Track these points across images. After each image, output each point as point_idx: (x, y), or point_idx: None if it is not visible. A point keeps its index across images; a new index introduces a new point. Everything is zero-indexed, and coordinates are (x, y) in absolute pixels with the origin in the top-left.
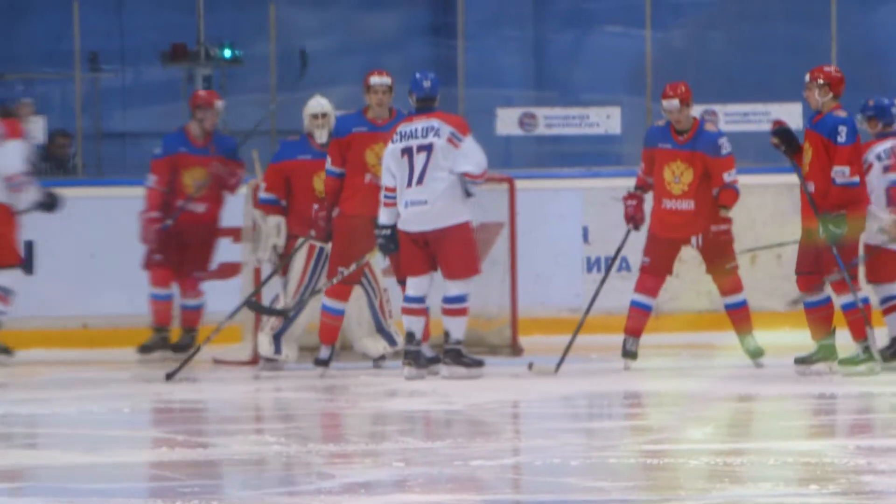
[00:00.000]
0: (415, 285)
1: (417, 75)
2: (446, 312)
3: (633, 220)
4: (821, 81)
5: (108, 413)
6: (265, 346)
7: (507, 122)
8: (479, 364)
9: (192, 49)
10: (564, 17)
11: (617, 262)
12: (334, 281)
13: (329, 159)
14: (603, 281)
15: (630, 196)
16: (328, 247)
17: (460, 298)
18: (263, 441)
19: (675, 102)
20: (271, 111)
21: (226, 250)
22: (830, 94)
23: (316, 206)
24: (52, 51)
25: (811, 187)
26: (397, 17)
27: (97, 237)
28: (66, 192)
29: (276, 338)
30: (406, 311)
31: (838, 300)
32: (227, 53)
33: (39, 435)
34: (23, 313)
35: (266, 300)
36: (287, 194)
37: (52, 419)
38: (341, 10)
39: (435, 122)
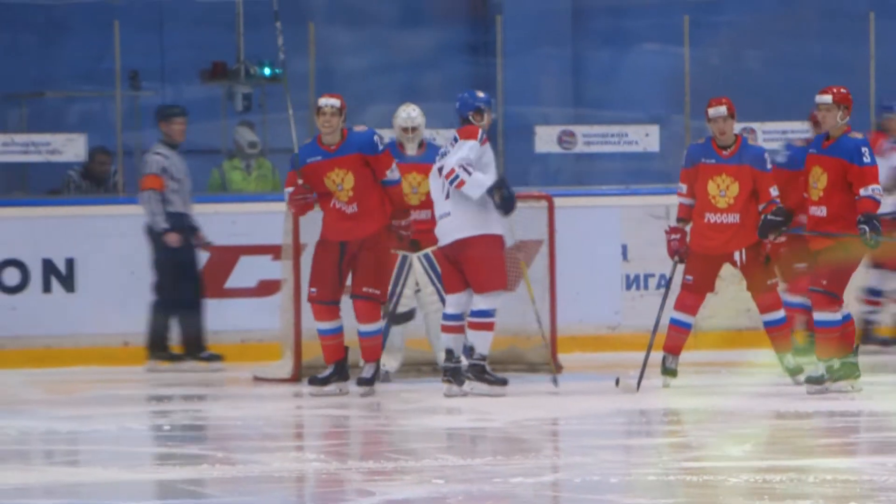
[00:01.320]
0: (452, 302)
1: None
2: (471, 326)
3: (678, 253)
4: (843, 105)
5: (149, 430)
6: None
7: (545, 139)
8: (503, 383)
9: (232, 67)
10: (602, 35)
11: (656, 280)
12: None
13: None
14: (665, 297)
15: (673, 230)
16: (413, 255)
17: (485, 313)
18: (303, 458)
19: (723, 109)
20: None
21: (267, 267)
22: (847, 118)
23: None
24: (92, 69)
25: (821, 211)
26: (436, 35)
27: (137, 254)
28: (105, 210)
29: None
30: (444, 329)
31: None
32: (267, 71)
33: (80, 452)
34: (64, 331)
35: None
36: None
37: (93, 436)
38: (379, 29)
39: (455, 137)
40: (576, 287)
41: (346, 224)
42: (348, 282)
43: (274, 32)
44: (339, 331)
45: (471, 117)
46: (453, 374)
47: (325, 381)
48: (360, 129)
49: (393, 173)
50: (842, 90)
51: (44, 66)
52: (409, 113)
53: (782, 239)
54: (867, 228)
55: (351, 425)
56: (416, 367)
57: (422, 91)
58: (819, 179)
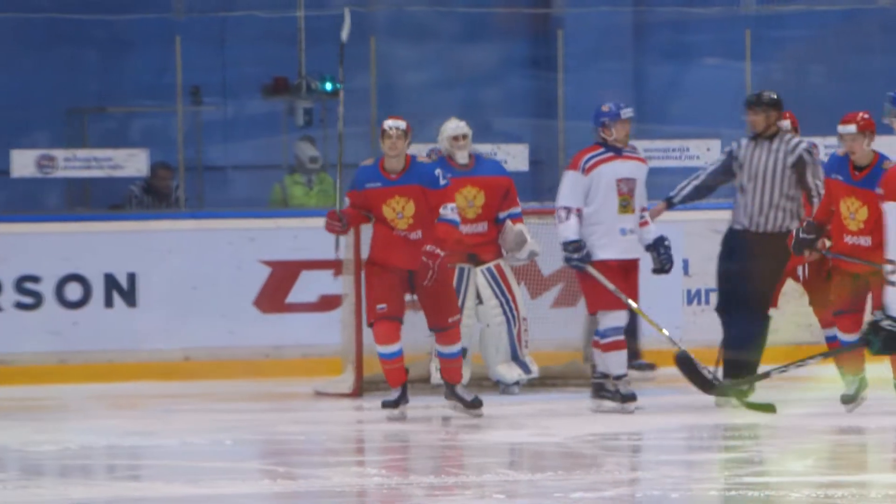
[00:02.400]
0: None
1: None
2: (594, 345)
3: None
4: (868, 131)
5: (210, 445)
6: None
7: None
8: (631, 398)
9: (294, 82)
10: (664, 49)
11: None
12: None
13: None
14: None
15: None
16: (476, 269)
17: (600, 333)
18: (364, 473)
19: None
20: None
21: (328, 282)
22: (872, 142)
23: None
24: (154, 84)
25: (865, 241)
26: (496, 49)
27: (198, 270)
28: (167, 225)
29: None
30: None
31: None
32: (328, 86)
33: (142, 467)
34: (125, 345)
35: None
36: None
37: (155, 451)
38: (440, 44)
39: None
40: (637, 302)
41: (412, 251)
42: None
43: (336, 48)
44: (401, 353)
45: (601, 133)
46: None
47: (396, 404)
48: (424, 159)
49: (449, 212)
50: (865, 116)
51: (106, 81)
52: (458, 123)
53: (815, 256)
54: None
55: (412, 440)
56: (479, 382)
57: (483, 106)
58: (858, 212)
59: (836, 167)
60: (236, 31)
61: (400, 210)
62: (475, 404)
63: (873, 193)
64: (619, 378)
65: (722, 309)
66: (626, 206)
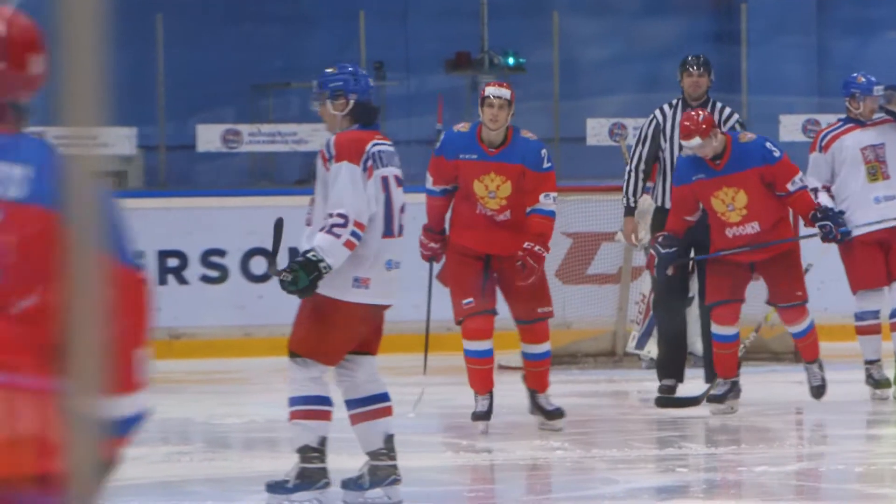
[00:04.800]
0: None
1: None
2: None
3: None
4: (712, 129)
5: (395, 418)
6: (631, 342)
7: (790, 128)
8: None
9: (476, 57)
10: (847, 23)
11: None
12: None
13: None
14: None
15: None
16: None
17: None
18: (547, 446)
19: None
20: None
21: None
22: None
23: None
24: (337, 60)
25: (754, 228)
26: (679, 24)
27: None
28: None
29: (644, 335)
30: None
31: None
32: (511, 61)
33: (327, 439)
34: None
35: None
36: None
37: (338, 424)
38: (622, 18)
39: None
40: (820, 276)
41: (497, 234)
42: None
43: (518, 22)
44: (492, 353)
45: (848, 104)
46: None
47: (487, 415)
48: (528, 135)
49: (550, 201)
50: (700, 120)
51: (290, 57)
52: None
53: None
54: None
55: (595, 414)
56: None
57: (664, 81)
58: (736, 199)
59: (693, 169)
60: (419, 7)
61: (494, 189)
62: (555, 415)
63: (743, 175)
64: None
65: None
66: (874, 173)
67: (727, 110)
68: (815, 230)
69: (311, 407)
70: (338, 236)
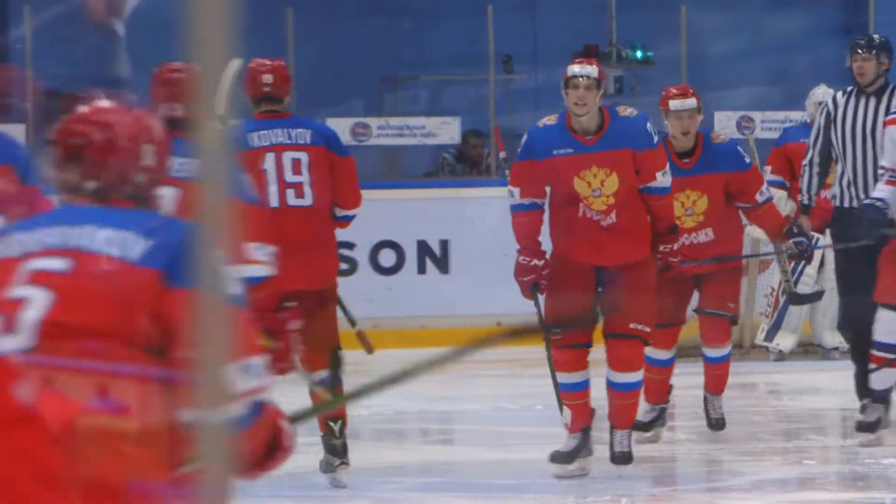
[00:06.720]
0: None
1: None
2: None
3: None
4: (699, 109)
5: (521, 410)
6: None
7: None
8: None
9: (604, 50)
10: None
11: None
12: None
13: None
14: None
15: None
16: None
17: None
18: (674, 439)
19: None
20: None
21: None
22: None
23: None
24: (465, 53)
25: (707, 236)
26: (807, 17)
27: (509, 237)
28: (478, 192)
29: (773, 328)
30: None
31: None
32: (639, 54)
33: (453, 431)
34: (437, 311)
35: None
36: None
37: (465, 416)
38: (750, 11)
39: None
40: None
41: (602, 239)
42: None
43: (645, 16)
44: (588, 385)
45: None
46: None
47: (572, 458)
48: (627, 112)
49: (667, 179)
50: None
51: (418, 50)
52: (826, 88)
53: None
54: None
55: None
56: (804, 349)
57: (792, 74)
58: (696, 204)
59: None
60: (547, 0)
61: (598, 186)
62: (620, 459)
63: (711, 178)
64: None
65: None
66: None
67: None
68: (782, 246)
69: None
70: None
